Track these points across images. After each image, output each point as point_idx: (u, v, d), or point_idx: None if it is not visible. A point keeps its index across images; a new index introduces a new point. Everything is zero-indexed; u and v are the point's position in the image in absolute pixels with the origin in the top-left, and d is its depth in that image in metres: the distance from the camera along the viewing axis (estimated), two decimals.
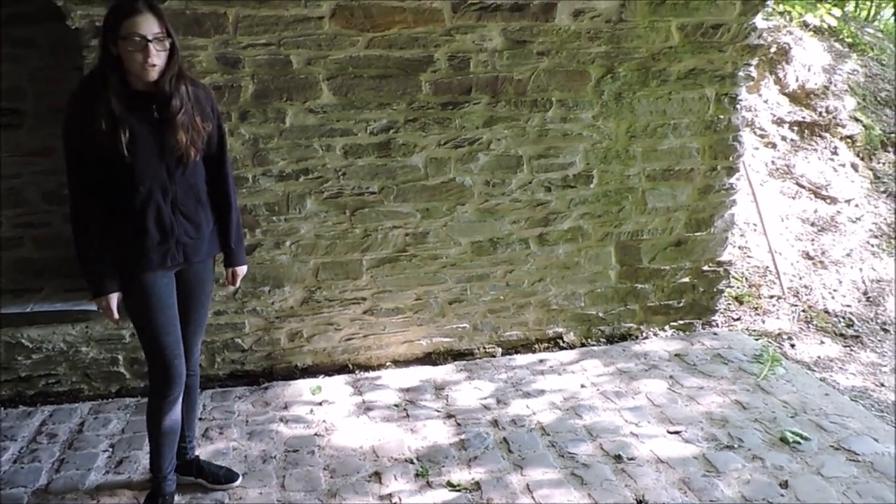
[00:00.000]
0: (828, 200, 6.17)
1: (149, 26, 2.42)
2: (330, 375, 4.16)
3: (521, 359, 4.34)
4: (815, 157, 6.45)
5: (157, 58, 2.44)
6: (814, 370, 4.46)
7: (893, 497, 2.93)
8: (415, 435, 3.51)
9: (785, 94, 6.82)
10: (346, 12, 3.67)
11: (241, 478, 3.14)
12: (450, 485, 3.10)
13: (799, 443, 3.33)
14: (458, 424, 3.59)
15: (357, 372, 4.21)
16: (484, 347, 4.42)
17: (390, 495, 3.04)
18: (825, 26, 7.48)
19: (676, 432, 3.47)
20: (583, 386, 3.97)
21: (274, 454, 3.36)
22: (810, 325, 5.03)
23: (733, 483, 3.06)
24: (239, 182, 3.75)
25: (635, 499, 2.98)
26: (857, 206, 6.18)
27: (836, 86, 6.92)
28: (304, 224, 3.96)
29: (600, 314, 4.55)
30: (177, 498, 2.99)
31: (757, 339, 4.62)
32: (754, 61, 4.31)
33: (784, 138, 6.54)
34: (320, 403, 3.83)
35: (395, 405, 3.80)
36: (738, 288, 5.27)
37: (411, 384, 4.03)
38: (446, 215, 4.11)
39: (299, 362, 4.20)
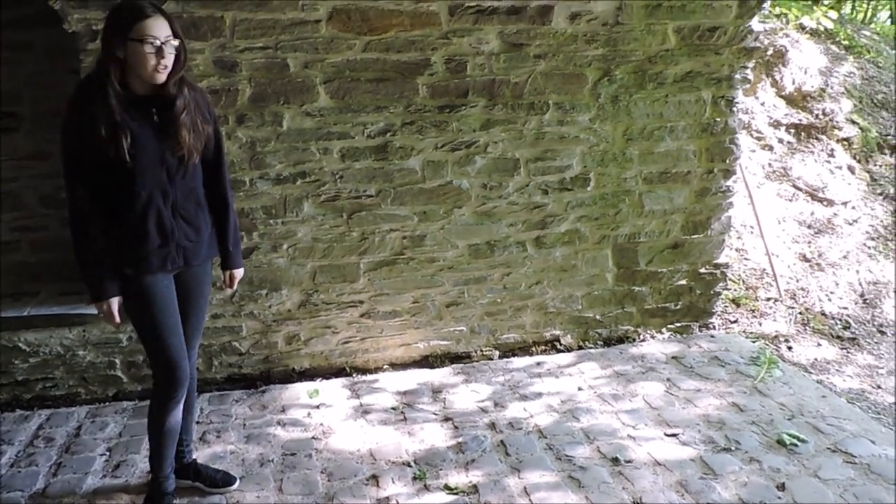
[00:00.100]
0: (824, 203, 6.18)
1: (161, 29, 2.44)
2: (327, 379, 4.16)
3: (519, 361, 4.34)
4: (811, 160, 6.46)
5: (169, 60, 2.47)
6: (811, 372, 4.46)
7: (890, 499, 2.94)
8: (412, 438, 3.51)
9: (781, 96, 6.84)
10: (343, 16, 3.67)
11: (238, 481, 3.14)
12: (447, 488, 3.10)
13: (796, 445, 3.33)
14: (456, 427, 3.59)
15: (354, 375, 4.21)
16: (481, 350, 4.43)
17: (388, 498, 3.04)
18: (822, 29, 7.50)
19: (673, 435, 3.47)
20: (580, 388, 3.97)
21: (271, 457, 3.36)
22: (807, 328, 5.04)
23: (730, 485, 3.06)
24: (236, 185, 3.75)
25: (632, 501, 2.98)
26: (853, 208, 6.19)
27: (832, 88, 6.94)
28: (301, 227, 3.96)
29: (597, 317, 4.56)
30: (174, 501, 2.98)
31: (754, 342, 4.63)
32: (751, 64, 4.33)
33: (781, 141, 6.55)
34: (318, 407, 3.83)
35: (393, 408, 3.80)
36: (734, 290, 5.28)
37: (409, 387, 4.03)
38: (443, 218, 4.12)
39: (297, 365, 4.20)
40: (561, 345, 4.53)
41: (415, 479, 3.17)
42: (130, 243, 2.60)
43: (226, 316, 4.01)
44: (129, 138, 2.46)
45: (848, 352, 4.84)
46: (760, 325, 5.01)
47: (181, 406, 2.87)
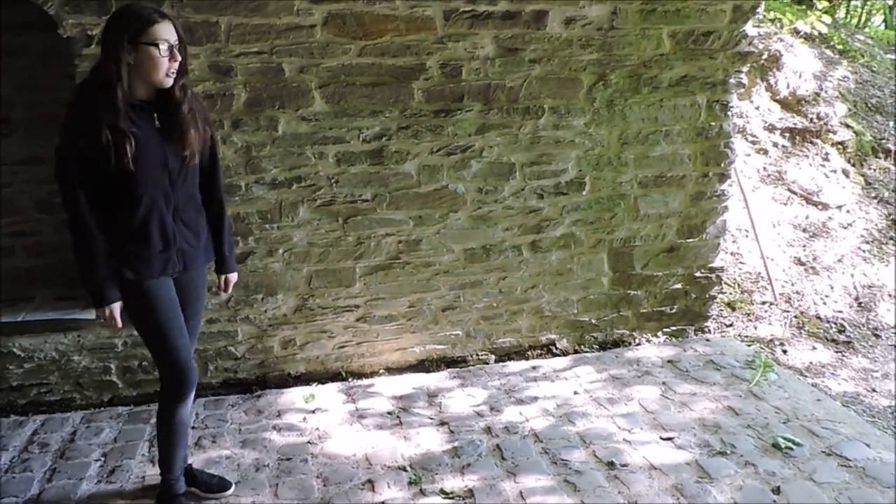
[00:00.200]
0: (819, 206, 6.20)
1: (171, 33, 2.47)
2: (323, 383, 4.15)
3: (514, 366, 4.34)
4: (806, 164, 6.48)
5: (177, 63, 2.49)
6: (806, 376, 4.47)
7: (885, 502, 2.94)
8: (408, 442, 3.51)
9: (776, 100, 6.85)
10: (339, 20, 3.68)
11: (234, 486, 3.13)
12: (443, 492, 3.10)
13: (791, 448, 3.34)
14: (452, 432, 3.59)
15: (350, 379, 4.20)
16: (477, 354, 4.43)
17: (383, 503, 3.04)
18: (816, 33, 7.52)
19: (669, 438, 3.47)
20: (576, 392, 3.97)
21: (267, 462, 3.36)
22: (802, 331, 5.05)
23: (726, 489, 3.06)
24: (231, 190, 3.75)
25: None
26: (848, 211, 6.21)
27: (826, 92, 6.96)
28: (296, 232, 3.96)
29: (593, 321, 4.56)
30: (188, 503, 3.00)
31: (749, 345, 4.64)
32: (745, 68, 4.34)
33: (775, 144, 6.57)
34: (313, 411, 3.83)
35: (389, 413, 3.80)
36: (730, 294, 5.29)
37: (404, 392, 4.02)
38: (439, 222, 4.12)
39: (292, 370, 4.20)
40: (557, 349, 4.53)
41: (410, 483, 3.16)
42: (133, 248, 2.61)
43: (221, 321, 4.01)
44: (134, 143, 2.46)
45: (843, 355, 4.85)
46: (756, 328, 5.02)
47: (189, 405, 2.88)
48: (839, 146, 6.65)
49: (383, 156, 3.94)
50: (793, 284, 5.50)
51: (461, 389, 4.04)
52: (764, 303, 5.27)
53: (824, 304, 5.36)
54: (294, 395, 4.00)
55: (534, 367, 4.29)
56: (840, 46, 7.79)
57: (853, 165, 6.60)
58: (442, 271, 4.22)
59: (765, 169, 6.39)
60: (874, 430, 3.58)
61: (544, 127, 4.11)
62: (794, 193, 6.25)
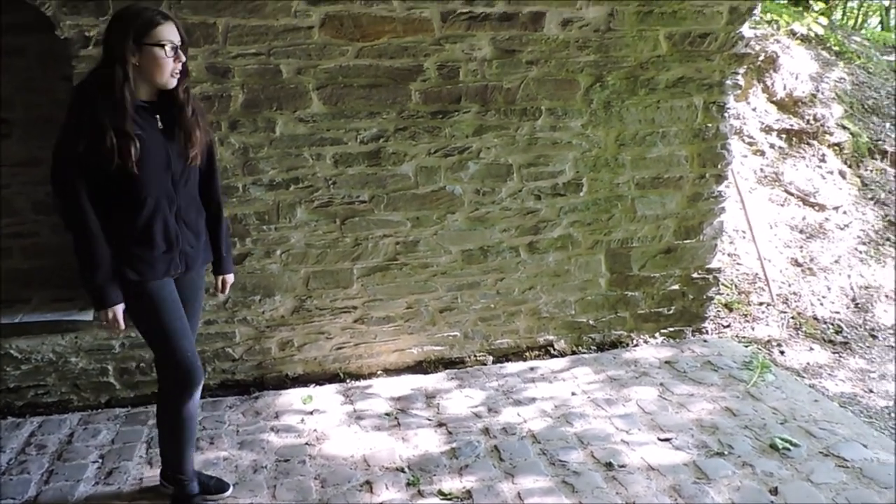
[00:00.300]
0: (816, 207, 6.21)
1: (174, 34, 2.48)
2: (321, 384, 4.15)
3: (512, 367, 4.34)
4: (803, 165, 6.49)
5: (181, 64, 2.50)
6: (803, 377, 4.48)
7: (882, 502, 2.95)
8: (406, 444, 3.51)
9: (773, 102, 6.87)
10: (336, 22, 3.68)
11: (231, 488, 3.12)
12: (441, 493, 3.10)
13: (788, 449, 3.34)
14: (450, 433, 3.59)
15: (348, 381, 4.20)
16: (475, 355, 4.43)
17: None
18: (812, 35, 7.55)
19: (667, 439, 3.47)
20: (573, 393, 3.98)
21: (265, 464, 3.35)
22: (799, 332, 5.06)
23: (723, 490, 3.07)
24: (229, 191, 3.75)
25: None
26: (845, 213, 6.23)
27: (823, 94, 6.98)
28: (294, 233, 3.96)
29: (591, 322, 4.57)
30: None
31: (746, 346, 4.64)
32: (742, 70, 4.35)
33: (772, 146, 6.58)
34: (311, 413, 3.83)
35: (387, 414, 3.80)
36: (727, 295, 5.30)
37: (402, 393, 4.02)
38: (437, 224, 4.12)
39: (290, 371, 4.20)
40: (554, 350, 4.53)
41: (408, 484, 3.16)
42: (136, 250, 2.60)
43: (219, 322, 4.00)
44: (138, 145, 2.46)
45: (840, 356, 4.86)
46: (753, 329, 5.03)
47: (197, 401, 2.88)
48: (836, 147, 6.67)
49: (381, 157, 3.94)
50: (790, 285, 5.51)
51: (459, 390, 4.04)
52: (761, 304, 5.28)
53: (821, 304, 5.37)
54: (292, 397, 4.00)
55: (531, 368, 4.30)
56: (836, 48, 7.82)
57: (850, 167, 6.62)
58: (439, 272, 4.22)
59: (762, 170, 6.41)
60: (871, 431, 3.58)
61: (541, 128, 4.11)
62: (791, 195, 6.27)
